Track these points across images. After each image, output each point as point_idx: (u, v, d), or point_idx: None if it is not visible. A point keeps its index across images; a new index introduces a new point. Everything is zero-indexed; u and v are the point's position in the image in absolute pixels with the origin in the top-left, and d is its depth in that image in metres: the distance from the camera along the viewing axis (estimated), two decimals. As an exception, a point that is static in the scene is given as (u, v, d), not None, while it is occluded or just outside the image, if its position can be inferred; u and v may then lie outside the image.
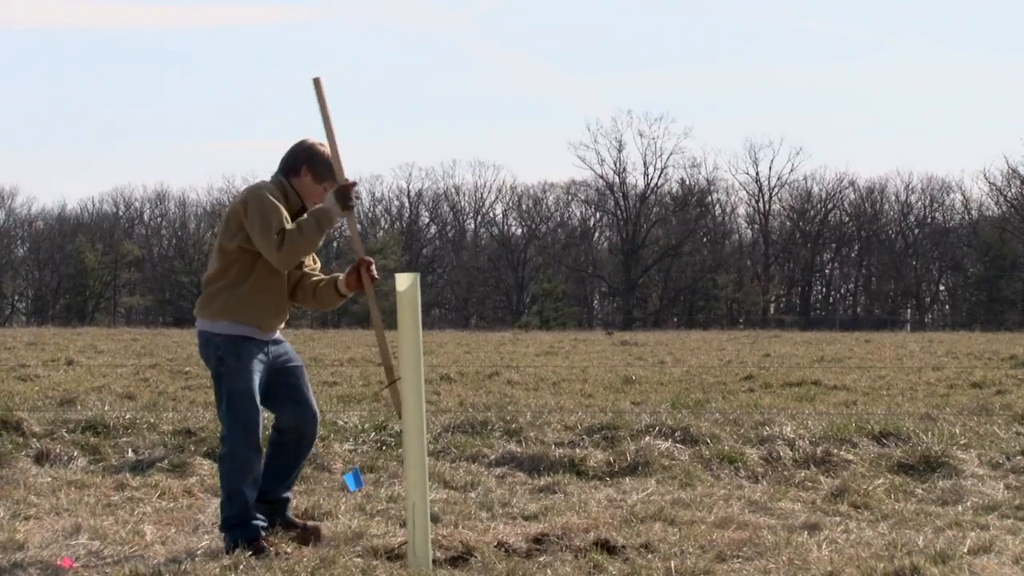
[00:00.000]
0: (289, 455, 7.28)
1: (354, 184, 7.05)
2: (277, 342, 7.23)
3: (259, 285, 7.04)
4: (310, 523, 7.35)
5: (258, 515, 7.12)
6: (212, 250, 7.19)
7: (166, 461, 10.05)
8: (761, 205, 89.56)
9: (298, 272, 7.29)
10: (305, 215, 7.02)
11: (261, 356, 7.09)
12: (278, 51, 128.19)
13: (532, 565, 6.77)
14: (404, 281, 6.92)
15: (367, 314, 7.73)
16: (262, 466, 7.16)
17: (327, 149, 7.16)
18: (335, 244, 72.29)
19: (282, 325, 7.30)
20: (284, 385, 7.19)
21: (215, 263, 7.11)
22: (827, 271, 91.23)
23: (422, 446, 6.87)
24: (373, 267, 7.14)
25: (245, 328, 7.03)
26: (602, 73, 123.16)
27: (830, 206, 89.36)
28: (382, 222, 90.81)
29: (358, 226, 7.25)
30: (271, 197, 6.99)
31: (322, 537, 7.20)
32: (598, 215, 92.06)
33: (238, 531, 6.99)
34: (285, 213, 7.00)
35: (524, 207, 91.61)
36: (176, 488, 9.16)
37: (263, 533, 7.06)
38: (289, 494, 7.37)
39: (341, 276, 7.23)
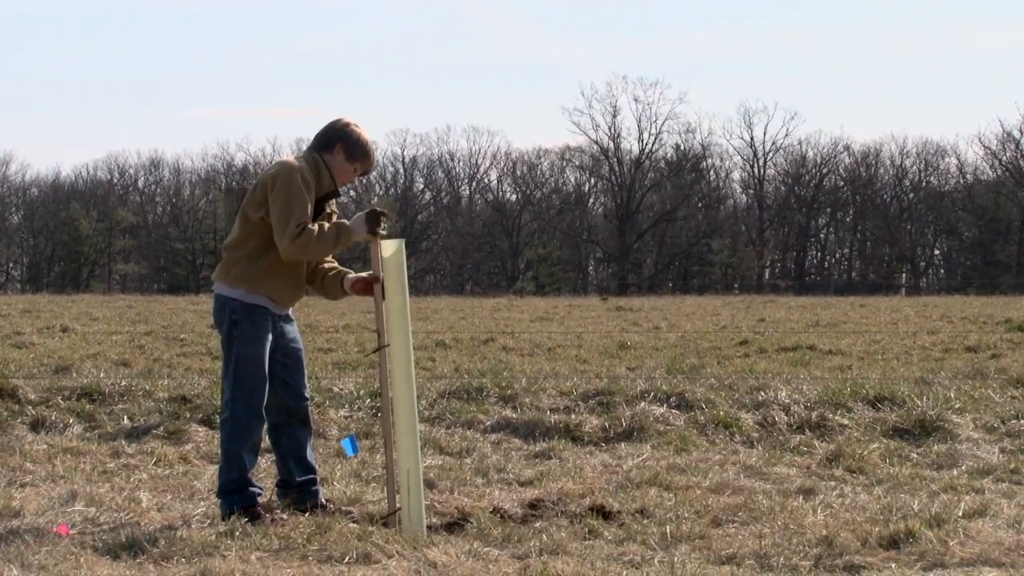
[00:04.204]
0: (291, 437, 7.26)
1: (384, 213, 7.09)
2: (288, 320, 7.25)
3: (278, 260, 7.05)
4: (344, 508, 7.30)
5: (255, 482, 7.13)
6: (237, 215, 7.20)
7: (162, 428, 10.06)
8: (756, 170, 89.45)
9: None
10: (328, 225, 7.04)
11: (272, 328, 7.12)
12: (271, 17, 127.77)
13: (528, 530, 6.78)
14: (389, 247, 6.93)
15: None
16: (263, 433, 7.18)
17: (362, 130, 7.21)
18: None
19: (296, 303, 7.31)
20: (281, 366, 7.20)
21: (237, 230, 7.14)
22: (822, 236, 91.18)
23: (413, 412, 6.87)
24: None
25: (260, 298, 7.05)
26: (597, 38, 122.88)
27: (825, 171, 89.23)
28: (377, 188, 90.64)
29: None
30: (302, 181, 6.97)
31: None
32: (593, 181, 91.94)
33: (235, 497, 7.00)
34: (309, 206, 6.97)
35: (519, 173, 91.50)
36: (172, 455, 9.18)
37: (259, 500, 7.07)
38: (314, 476, 7.32)
39: (351, 275, 7.26)
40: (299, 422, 7.28)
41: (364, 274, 7.24)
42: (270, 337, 7.11)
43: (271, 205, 6.95)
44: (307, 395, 7.35)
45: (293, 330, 7.29)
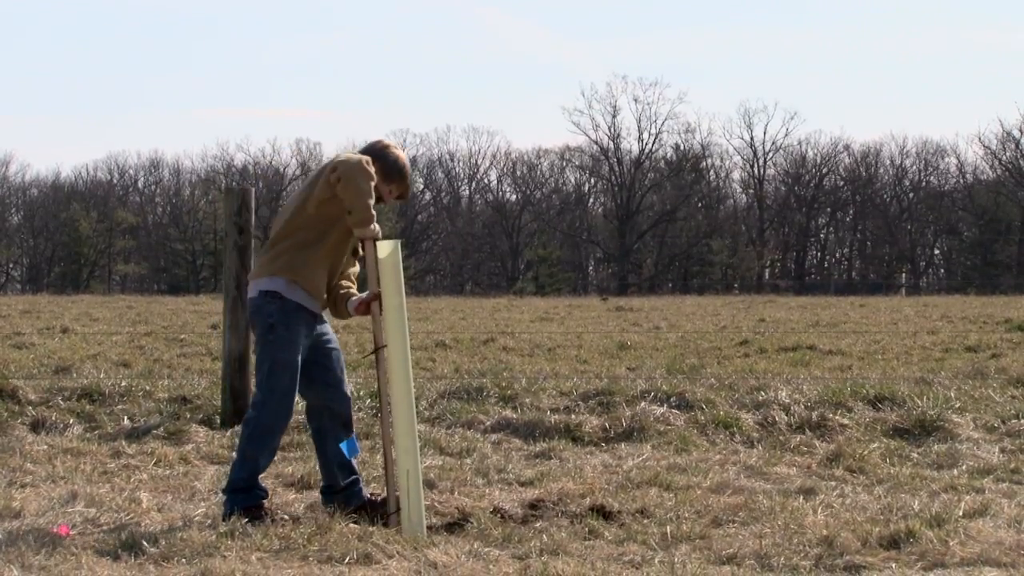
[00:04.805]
0: (336, 442, 7.25)
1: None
2: (322, 321, 7.26)
3: (324, 255, 7.08)
4: (383, 496, 7.26)
5: (262, 485, 7.14)
6: (282, 213, 7.21)
7: (162, 428, 10.06)
8: (756, 170, 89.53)
9: (343, 270, 7.32)
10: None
11: (307, 331, 7.12)
12: (271, 17, 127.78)
13: (528, 531, 6.78)
14: (385, 248, 6.93)
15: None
16: (280, 440, 7.25)
17: (400, 153, 7.26)
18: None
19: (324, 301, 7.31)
20: (319, 366, 7.21)
21: (286, 221, 7.12)
22: (822, 236, 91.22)
23: (411, 413, 6.87)
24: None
25: (299, 293, 7.04)
26: (597, 38, 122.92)
27: (825, 171, 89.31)
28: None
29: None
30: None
31: (387, 512, 7.07)
32: (593, 181, 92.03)
33: (240, 496, 7.01)
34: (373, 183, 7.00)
35: (519, 173, 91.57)
36: (172, 455, 9.17)
37: (263, 502, 7.08)
38: (356, 476, 7.32)
39: (355, 297, 7.26)
40: (342, 426, 7.27)
41: (365, 295, 7.23)
42: (307, 341, 7.12)
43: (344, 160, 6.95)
44: (349, 393, 7.35)
45: (328, 330, 7.31)
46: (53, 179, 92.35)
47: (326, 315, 7.35)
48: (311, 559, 6.24)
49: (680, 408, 10.67)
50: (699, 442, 9.79)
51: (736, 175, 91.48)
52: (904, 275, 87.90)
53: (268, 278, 7.09)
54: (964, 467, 8.76)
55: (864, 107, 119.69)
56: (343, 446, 7.34)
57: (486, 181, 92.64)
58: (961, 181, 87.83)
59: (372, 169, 6.98)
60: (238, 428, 10.02)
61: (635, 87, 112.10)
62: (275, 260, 7.11)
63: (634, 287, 79.34)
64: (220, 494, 7.29)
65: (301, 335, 7.07)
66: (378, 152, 7.23)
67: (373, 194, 6.95)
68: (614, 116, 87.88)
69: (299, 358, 7.07)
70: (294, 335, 7.04)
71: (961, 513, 7.01)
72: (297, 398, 7.20)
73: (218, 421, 10.38)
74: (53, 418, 10.43)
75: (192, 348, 18.41)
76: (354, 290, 7.36)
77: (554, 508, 7.31)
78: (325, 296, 7.24)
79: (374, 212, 6.94)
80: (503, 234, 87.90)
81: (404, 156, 7.30)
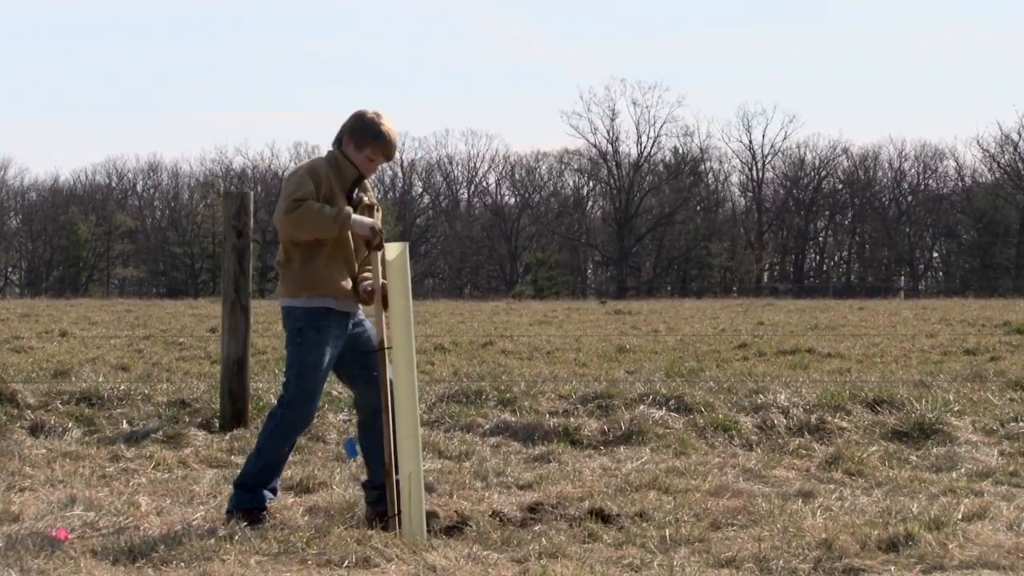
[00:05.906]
0: (376, 438, 7.23)
1: (380, 233, 7.05)
2: (359, 322, 7.26)
3: (328, 261, 7.07)
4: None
5: (273, 485, 7.16)
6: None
7: (160, 432, 10.05)
8: (754, 173, 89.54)
9: (360, 260, 7.29)
10: (333, 207, 6.99)
11: (339, 332, 7.12)
12: (270, 21, 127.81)
13: (527, 534, 6.78)
14: (393, 250, 6.93)
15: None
16: (297, 439, 7.31)
17: (370, 116, 7.17)
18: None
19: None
20: (359, 365, 7.23)
21: (281, 245, 7.15)
22: (820, 239, 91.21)
23: (415, 415, 6.87)
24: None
25: (324, 300, 7.06)
26: (596, 42, 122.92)
27: (823, 174, 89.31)
28: (375, 192, 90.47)
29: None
30: (307, 171, 7.02)
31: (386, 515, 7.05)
32: (591, 184, 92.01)
33: (245, 496, 7.05)
34: (312, 190, 6.95)
35: (517, 176, 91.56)
36: (171, 459, 9.17)
37: (268, 504, 7.09)
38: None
39: (367, 282, 7.25)
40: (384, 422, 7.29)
41: (370, 284, 7.22)
42: (338, 342, 7.12)
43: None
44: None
45: (365, 327, 7.30)
46: (52, 183, 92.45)
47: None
48: (310, 563, 6.24)
49: (679, 411, 10.67)
50: (698, 445, 9.79)
51: (735, 178, 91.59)
52: (903, 278, 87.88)
53: (290, 297, 7.14)
54: (963, 470, 8.76)
55: (863, 110, 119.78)
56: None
57: (484, 184, 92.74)
58: (960, 184, 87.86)
59: (301, 187, 6.92)
60: (237, 432, 10.07)
61: (634, 90, 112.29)
62: (287, 284, 7.15)
63: (633, 290, 79.36)
64: (231, 485, 7.30)
65: (331, 336, 7.09)
66: (347, 124, 7.20)
67: (316, 215, 6.86)
68: (613, 119, 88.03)
69: (327, 360, 7.09)
70: (324, 337, 7.07)
71: (960, 516, 7.01)
72: (321, 402, 7.22)
73: (217, 425, 10.38)
74: (52, 422, 10.42)
75: (191, 352, 18.41)
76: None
77: (553, 511, 7.31)
78: (351, 290, 7.19)
79: (333, 214, 6.89)
80: (501, 237, 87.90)
81: (378, 119, 7.17)
